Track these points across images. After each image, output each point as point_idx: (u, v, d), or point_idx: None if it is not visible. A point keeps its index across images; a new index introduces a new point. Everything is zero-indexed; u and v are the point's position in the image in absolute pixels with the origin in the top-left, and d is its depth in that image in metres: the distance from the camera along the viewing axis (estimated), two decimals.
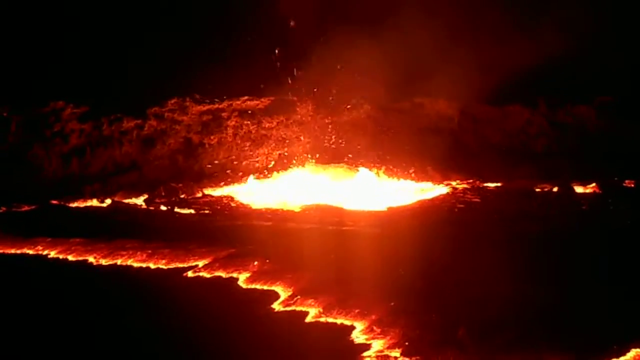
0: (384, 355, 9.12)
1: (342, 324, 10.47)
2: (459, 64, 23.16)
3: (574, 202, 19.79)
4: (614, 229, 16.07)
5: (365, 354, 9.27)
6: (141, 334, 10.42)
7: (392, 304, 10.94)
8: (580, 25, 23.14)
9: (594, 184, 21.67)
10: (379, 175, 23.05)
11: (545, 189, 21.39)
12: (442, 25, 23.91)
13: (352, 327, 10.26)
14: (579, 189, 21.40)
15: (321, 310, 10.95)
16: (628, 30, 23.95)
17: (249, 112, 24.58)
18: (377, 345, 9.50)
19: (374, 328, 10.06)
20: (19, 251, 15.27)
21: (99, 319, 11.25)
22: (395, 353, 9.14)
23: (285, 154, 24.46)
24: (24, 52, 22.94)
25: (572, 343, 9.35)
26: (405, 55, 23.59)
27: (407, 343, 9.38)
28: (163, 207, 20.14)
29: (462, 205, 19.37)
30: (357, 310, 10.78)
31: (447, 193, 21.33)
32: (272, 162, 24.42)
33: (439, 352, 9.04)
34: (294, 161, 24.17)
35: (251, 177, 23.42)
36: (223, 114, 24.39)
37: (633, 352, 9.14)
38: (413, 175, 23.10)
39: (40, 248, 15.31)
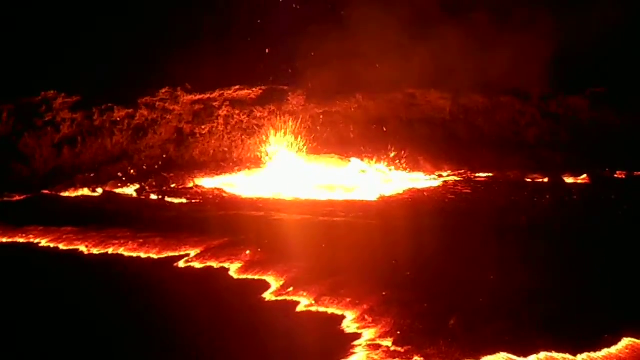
0: (376, 344, 9.12)
1: (333, 313, 10.46)
2: (451, 54, 23.24)
3: (564, 192, 19.85)
4: (604, 220, 16.15)
5: (356, 342, 9.27)
6: (131, 323, 10.39)
7: (384, 293, 10.95)
8: (573, 16, 23.23)
9: (585, 175, 21.73)
10: (370, 166, 23.07)
11: (536, 180, 21.49)
12: (434, 16, 23.99)
13: (344, 317, 10.26)
14: (570, 180, 21.49)
15: (313, 300, 10.95)
16: (621, 21, 23.99)
17: (241, 101, 24.58)
18: (369, 334, 9.50)
19: (366, 317, 10.07)
20: (10, 240, 15.21)
21: (89, 308, 11.21)
22: (387, 342, 9.15)
23: (277, 143, 24.47)
24: (14, 42, 22.87)
25: (564, 332, 9.37)
26: (399, 46, 23.66)
27: (398, 332, 9.39)
28: (154, 197, 20.12)
29: (452, 196, 19.45)
30: (348, 300, 10.79)
31: (438, 184, 21.40)
32: (264, 152, 24.43)
33: (430, 341, 9.06)
34: (286, 151, 24.16)
35: (243, 167, 23.43)
36: (214, 104, 24.42)
37: (625, 341, 9.17)
38: (404, 165, 23.16)
39: (32, 237, 15.27)
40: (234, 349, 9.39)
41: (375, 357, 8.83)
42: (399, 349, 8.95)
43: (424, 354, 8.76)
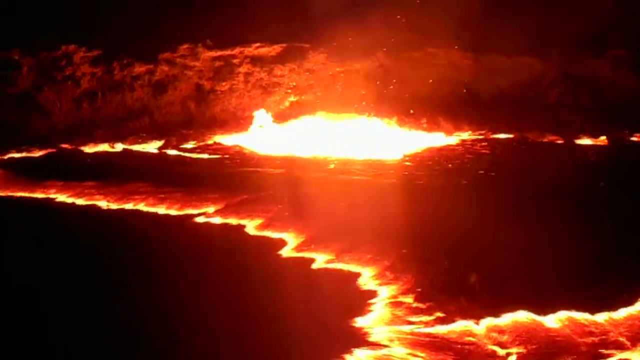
0: (398, 302, 9.17)
1: (353, 269, 10.52)
2: (473, 14, 23.03)
3: (581, 154, 19.83)
4: (620, 182, 16.08)
5: (378, 299, 9.33)
6: (144, 279, 10.44)
7: (404, 251, 10.99)
8: None
9: (603, 137, 21.62)
10: (390, 125, 22.99)
11: (556, 141, 21.42)
12: None
13: (365, 273, 10.30)
14: (588, 142, 21.40)
15: (334, 256, 11.00)
16: None
17: (261, 59, 24.48)
18: (390, 291, 9.56)
19: (387, 274, 10.12)
20: (30, 194, 15.31)
21: (104, 262, 11.29)
22: (409, 299, 9.20)
23: (298, 101, 24.41)
24: None
25: (582, 292, 9.40)
26: (419, 5, 23.50)
27: (419, 289, 9.45)
28: (175, 153, 20.18)
29: (471, 156, 19.42)
30: (369, 256, 10.87)
31: (457, 144, 21.38)
32: (284, 110, 24.38)
33: (451, 298, 9.10)
34: (306, 109, 24.10)
35: (264, 122, 23.45)
36: (235, 61, 24.29)
37: None
38: (425, 126, 23.05)
39: (53, 191, 15.37)
40: (255, 305, 9.46)
41: (399, 313, 8.88)
42: (421, 305, 9.01)
43: (445, 310, 8.82)
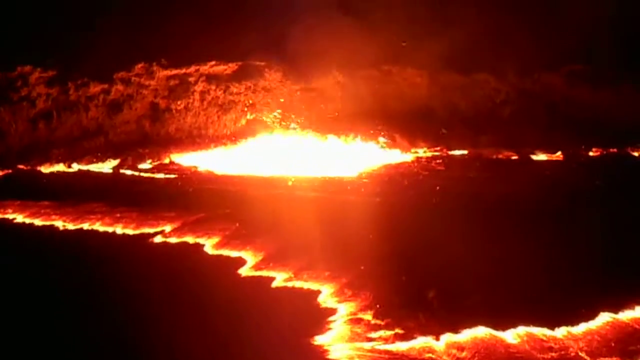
0: (357, 318, 9.19)
1: (312, 287, 10.52)
2: (428, 32, 23.23)
3: (536, 169, 20.05)
4: (577, 197, 16.27)
5: (337, 316, 9.34)
6: (101, 301, 10.33)
7: (362, 267, 11.01)
8: None
9: (559, 153, 21.87)
10: (347, 143, 23.08)
11: (511, 157, 21.64)
12: None
13: (324, 290, 10.30)
14: (544, 157, 21.63)
15: (292, 274, 10.99)
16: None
17: (217, 77, 24.45)
18: (349, 307, 9.57)
19: (345, 291, 10.14)
20: None
21: (61, 285, 11.17)
22: (368, 316, 9.21)
23: (253, 120, 24.41)
24: None
25: (540, 306, 9.50)
26: (375, 23, 23.63)
27: (378, 305, 9.47)
28: (130, 172, 20.08)
29: (426, 173, 19.57)
30: (327, 274, 10.87)
31: (413, 160, 21.55)
32: (239, 129, 24.34)
33: (410, 314, 9.14)
34: (262, 127, 24.11)
35: (219, 143, 23.39)
36: (190, 79, 24.20)
37: (602, 316, 9.30)
38: (381, 143, 23.14)
39: (10, 211, 15.22)
40: (215, 324, 9.42)
41: (358, 330, 8.90)
42: (380, 321, 9.03)
43: (404, 326, 8.86)
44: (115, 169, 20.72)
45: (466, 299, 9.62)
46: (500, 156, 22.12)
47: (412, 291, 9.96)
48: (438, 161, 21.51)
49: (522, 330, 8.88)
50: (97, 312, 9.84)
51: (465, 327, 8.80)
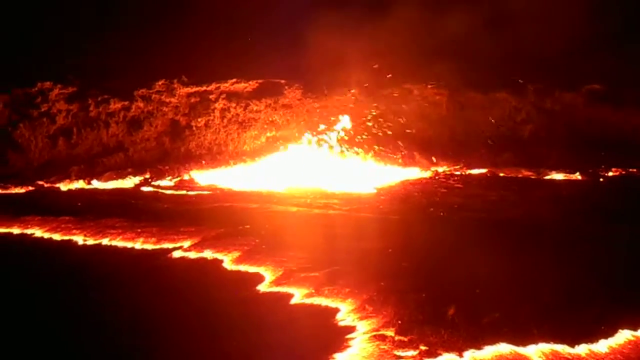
0: (380, 335, 9.14)
1: (333, 302, 10.47)
2: (448, 51, 23.28)
3: (556, 189, 20.02)
4: (596, 216, 16.24)
5: (358, 333, 9.29)
6: (121, 317, 10.32)
7: (382, 283, 10.98)
8: (568, 14, 23.30)
9: (578, 172, 21.84)
10: (366, 160, 23.14)
11: (530, 177, 21.62)
12: (431, 13, 24.02)
13: (344, 307, 10.26)
14: (562, 177, 21.61)
15: (313, 289, 10.96)
16: (615, 19, 24.05)
17: (237, 94, 24.55)
18: (371, 324, 9.52)
19: (366, 307, 10.10)
20: (7, 230, 15.20)
21: (80, 299, 11.17)
22: (390, 332, 9.16)
23: (273, 137, 24.50)
24: (10, 32, 22.76)
25: (560, 323, 9.44)
26: (395, 42, 23.70)
27: (399, 322, 9.42)
28: (150, 189, 20.16)
29: (444, 190, 19.59)
30: (347, 290, 10.82)
31: (432, 178, 21.61)
32: (259, 146, 24.44)
33: (432, 330, 9.10)
34: (282, 144, 24.20)
35: (238, 160, 23.48)
36: (211, 97, 24.34)
37: (621, 333, 9.23)
38: (400, 160, 23.20)
39: (31, 226, 15.26)
40: (233, 342, 9.37)
41: (383, 347, 8.85)
42: (403, 338, 8.98)
43: (427, 342, 8.80)
44: (136, 185, 20.79)
45: (486, 316, 9.57)
46: (519, 175, 22.08)
47: (433, 307, 9.89)
48: (457, 179, 21.51)
49: (542, 346, 8.81)
50: (119, 328, 9.81)
51: (487, 344, 8.75)
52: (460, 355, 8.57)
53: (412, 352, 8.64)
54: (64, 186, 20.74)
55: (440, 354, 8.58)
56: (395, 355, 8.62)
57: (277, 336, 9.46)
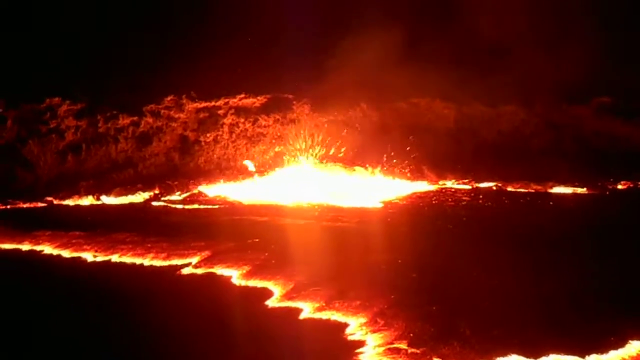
0: (394, 348, 9.13)
1: (344, 316, 10.46)
2: (457, 65, 23.34)
3: (564, 201, 20.04)
4: (605, 229, 16.24)
5: (370, 346, 9.29)
6: (131, 333, 10.31)
7: (392, 296, 10.98)
8: (578, 27, 23.33)
9: (587, 185, 21.83)
10: (374, 175, 23.13)
11: (539, 190, 21.61)
12: (439, 27, 24.07)
13: (355, 320, 10.25)
14: (572, 190, 21.59)
15: (323, 303, 10.95)
16: (625, 32, 24.10)
17: (245, 110, 24.60)
18: (384, 337, 9.50)
19: (377, 320, 10.09)
20: (18, 245, 15.22)
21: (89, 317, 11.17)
22: (403, 345, 9.15)
23: (281, 152, 24.53)
24: (20, 49, 22.84)
25: (570, 334, 9.45)
26: (403, 56, 23.75)
27: (411, 334, 9.41)
28: (159, 204, 20.20)
29: (453, 204, 19.65)
30: (358, 303, 10.81)
31: (440, 192, 21.62)
32: (268, 161, 24.48)
33: (444, 342, 9.09)
34: (290, 159, 24.23)
35: (247, 175, 23.52)
36: (219, 112, 24.41)
37: (630, 344, 9.23)
38: (408, 174, 23.20)
39: (41, 242, 15.26)
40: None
41: None
42: (416, 350, 8.97)
43: (441, 354, 8.79)
44: (146, 200, 20.83)
45: (496, 328, 9.56)
46: (528, 189, 22.07)
47: (444, 319, 9.89)
48: (465, 193, 21.52)
49: (552, 357, 8.80)
50: (129, 346, 9.80)
51: (499, 355, 8.75)
52: None
53: None
54: (73, 202, 20.77)
55: None
56: None
57: (288, 352, 9.44)
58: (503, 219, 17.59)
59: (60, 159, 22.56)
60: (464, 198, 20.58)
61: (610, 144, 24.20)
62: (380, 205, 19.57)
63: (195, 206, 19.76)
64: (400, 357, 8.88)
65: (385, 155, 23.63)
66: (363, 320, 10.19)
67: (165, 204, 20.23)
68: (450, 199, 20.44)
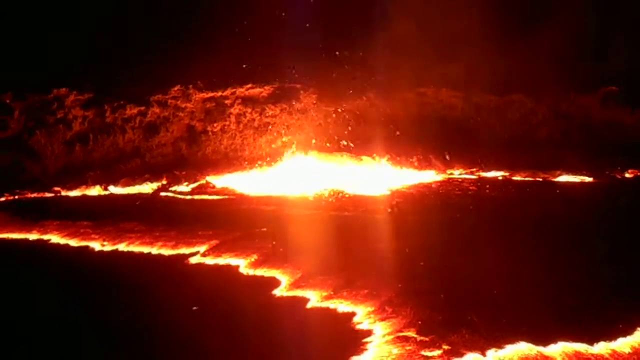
0: (404, 336, 9.12)
1: (352, 305, 10.45)
2: (464, 54, 23.27)
3: (572, 190, 20.04)
4: (612, 218, 16.23)
5: (378, 334, 9.28)
6: (139, 321, 10.31)
7: (400, 285, 10.97)
8: (585, 16, 23.27)
9: (594, 174, 21.82)
10: (381, 164, 23.12)
11: (547, 179, 21.59)
12: (448, 17, 23.99)
13: (363, 309, 10.24)
14: (580, 179, 21.58)
15: (331, 291, 10.95)
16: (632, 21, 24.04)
17: (253, 100, 24.58)
18: (392, 325, 9.49)
19: (386, 308, 10.08)
20: (26, 235, 15.24)
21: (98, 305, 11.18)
22: (412, 333, 9.14)
23: (289, 141, 24.51)
24: (27, 39, 22.83)
25: (578, 322, 9.43)
26: (411, 44, 23.68)
27: (420, 322, 9.40)
28: (167, 194, 20.22)
29: (460, 192, 19.64)
30: (365, 291, 10.81)
31: (447, 181, 21.61)
32: (275, 150, 24.46)
33: (453, 330, 9.08)
34: (297, 149, 24.21)
35: (254, 165, 23.51)
36: (226, 102, 24.40)
37: (639, 332, 9.21)
38: (416, 164, 23.20)
39: (49, 232, 15.29)
40: (249, 348, 9.37)
41: (407, 347, 8.83)
42: (425, 338, 8.96)
43: (450, 342, 8.78)
44: (153, 190, 20.84)
45: (505, 316, 9.55)
46: (535, 178, 22.05)
47: (452, 307, 9.89)
48: (472, 182, 21.51)
49: (562, 345, 8.78)
50: (133, 337, 9.81)
51: (508, 343, 8.73)
52: (484, 355, 8.55)
53: (437, 352, 8.62)
54: (80, 192, 20.80)
55: (464, 354, 8.55)
56: (422, 355, 8.60)
57: (296, 341, 9.43)
58: (510, 208, 17.57)
59: (67, 150, 22.58)
60: (471, 187, 20.56)
61: (617, 133, 24.19)
62: (388, 194, 19.56)
63: (203, 196, 19.75)
64: (409, 344, 8.86)
65: (392, 145, 23.62)
66: (371, 308, 10.18)
67: (173, 194, 20.23)
68: (457, 188, 20.42)
